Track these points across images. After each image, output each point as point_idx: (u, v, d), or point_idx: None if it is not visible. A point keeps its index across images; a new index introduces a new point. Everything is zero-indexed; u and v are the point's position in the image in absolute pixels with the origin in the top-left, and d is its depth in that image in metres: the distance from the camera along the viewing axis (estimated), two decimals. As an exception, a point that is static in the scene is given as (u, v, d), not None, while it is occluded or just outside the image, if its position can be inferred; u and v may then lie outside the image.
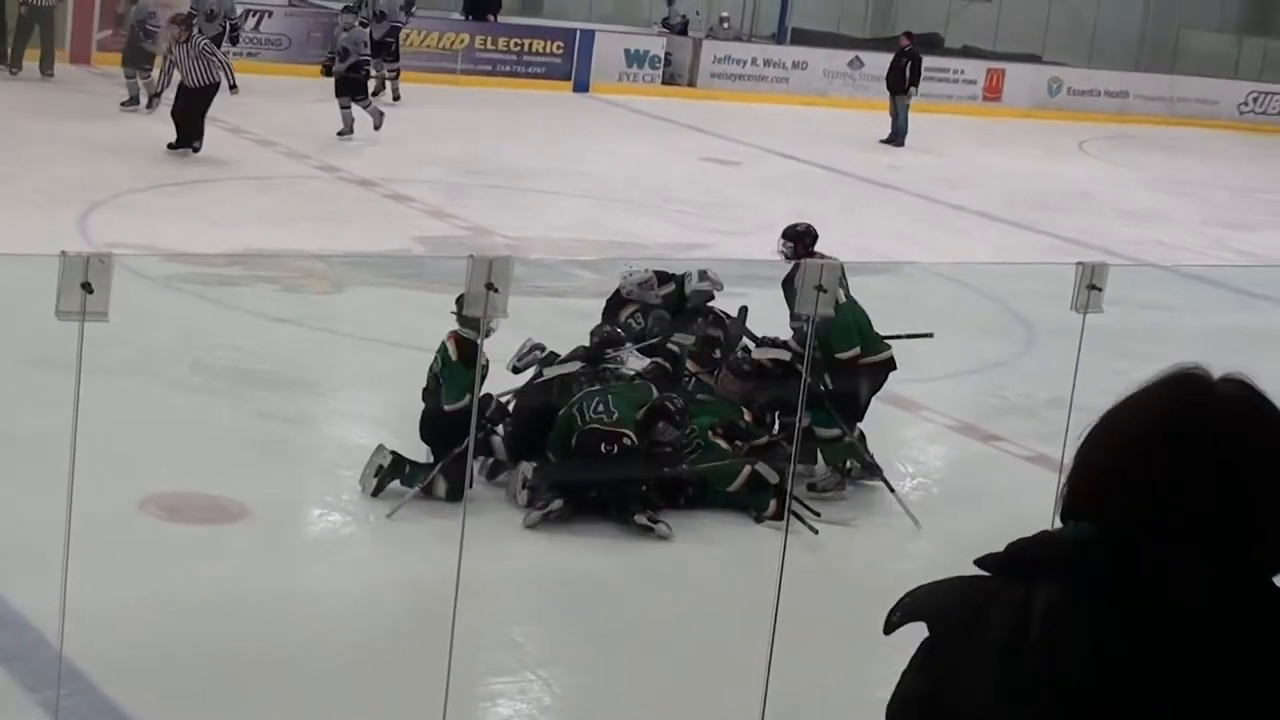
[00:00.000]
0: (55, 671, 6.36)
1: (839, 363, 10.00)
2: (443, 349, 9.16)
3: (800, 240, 10.95)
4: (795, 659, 6.72)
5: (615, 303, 11.08)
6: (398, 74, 24.02)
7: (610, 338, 10.07)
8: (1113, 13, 36.82)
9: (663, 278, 11.23)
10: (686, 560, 8.98)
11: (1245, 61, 36.79)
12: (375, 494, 8.90)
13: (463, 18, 28.05)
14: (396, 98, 23.65)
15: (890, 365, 10.32)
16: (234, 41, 22.70)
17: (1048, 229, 20.04)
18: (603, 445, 9.12)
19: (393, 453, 9.02)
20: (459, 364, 8.93)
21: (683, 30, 29.96)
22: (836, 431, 10.16)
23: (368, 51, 20.78)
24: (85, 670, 6.71)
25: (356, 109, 20.43)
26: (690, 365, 10.47)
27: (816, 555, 8.89)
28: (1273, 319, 16.60)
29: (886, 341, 10.27)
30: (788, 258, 10.96)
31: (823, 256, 10.89)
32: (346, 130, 20.30)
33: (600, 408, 9.23)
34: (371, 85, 22.00)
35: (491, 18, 28.41)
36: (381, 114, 20.76)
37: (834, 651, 8.02)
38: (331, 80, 20.64)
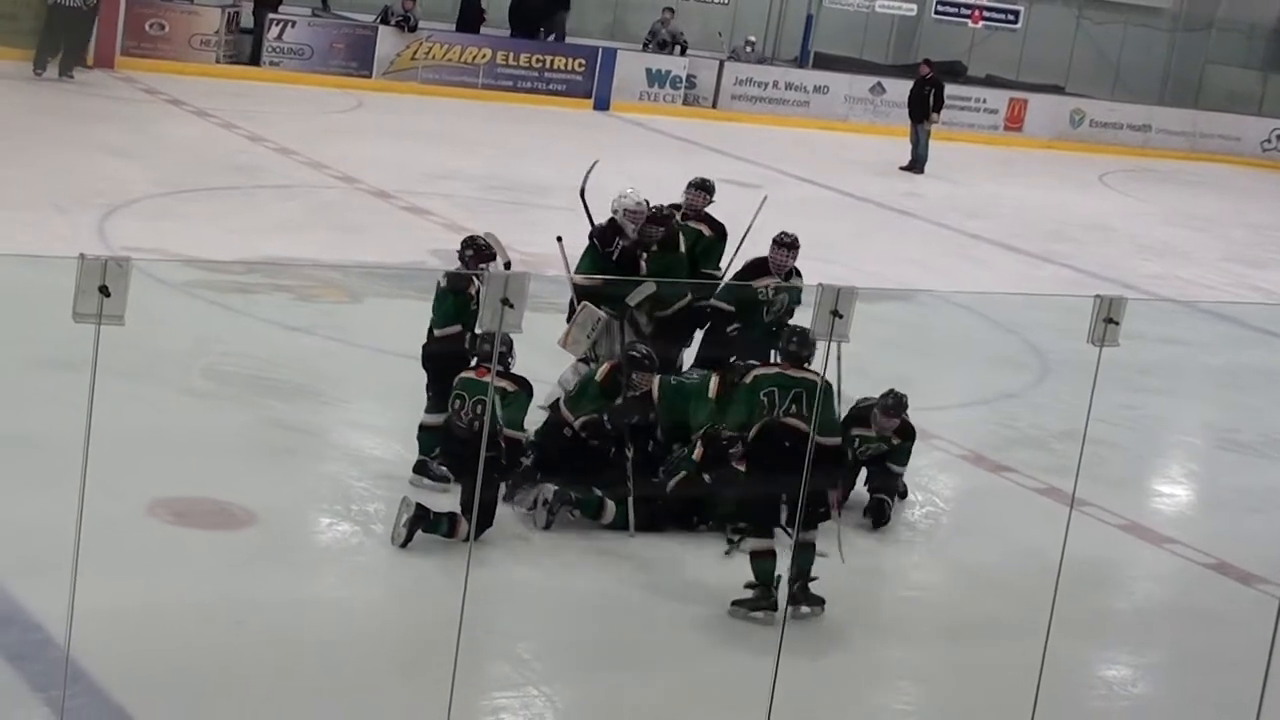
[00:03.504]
0: (62, 672, 6.38)
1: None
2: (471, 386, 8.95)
3: (700, 191, 11.78)
4: (800, 681, 6.71)
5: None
6: None
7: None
8: (1137, 46, 36.80)
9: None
10: (693, 579, 8.96)
11: (1269, 98, 36.74)
12: (404, 545, 8.63)
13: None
14: None
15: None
16: None
17: (1065, 261, 20.02)
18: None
19: (416, 504, 8.76)
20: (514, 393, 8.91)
21: (669, 47, 29.70)
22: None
23: None
24: (91, 671, 6.72)
25: None
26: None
27: (822, 580, 8.86)
28: (1289, 357, 16.58)
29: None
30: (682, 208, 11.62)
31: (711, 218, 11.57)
32: None
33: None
34: None
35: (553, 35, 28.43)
36: None
37: (838, 673, 8.01)
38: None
